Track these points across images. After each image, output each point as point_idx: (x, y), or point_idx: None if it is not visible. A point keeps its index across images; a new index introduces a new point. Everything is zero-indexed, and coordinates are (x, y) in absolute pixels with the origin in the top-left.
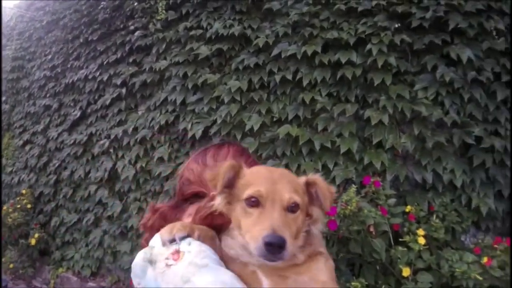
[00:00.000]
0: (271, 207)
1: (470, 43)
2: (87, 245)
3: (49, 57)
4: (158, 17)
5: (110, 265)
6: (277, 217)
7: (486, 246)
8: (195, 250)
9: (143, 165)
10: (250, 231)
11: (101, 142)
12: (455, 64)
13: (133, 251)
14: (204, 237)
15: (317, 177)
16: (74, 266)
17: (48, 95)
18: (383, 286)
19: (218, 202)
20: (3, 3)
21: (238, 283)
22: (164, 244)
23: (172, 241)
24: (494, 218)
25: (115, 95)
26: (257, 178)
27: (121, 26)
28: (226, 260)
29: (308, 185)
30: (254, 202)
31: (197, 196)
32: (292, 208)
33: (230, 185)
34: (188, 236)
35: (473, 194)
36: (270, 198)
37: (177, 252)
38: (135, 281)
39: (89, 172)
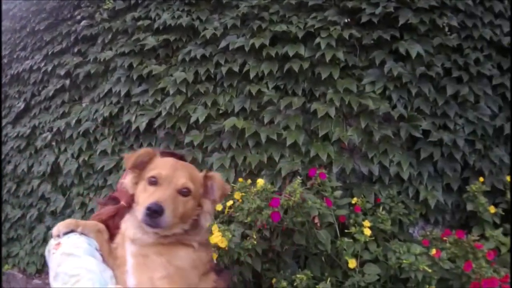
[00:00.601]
0: (166, 187)
1: (421, 39)
2: (31, 242)
3: None
4: (105, 7)
5: None
6: (166, 194)
7: (435, 238)
8: (69, 242)
9: (86, 158)
10: (141, 203)
11: (44, 135)
12: (403, 59)
13: None
14: (88, 231)
15: (215, 173)
16: (20, 263)
17: None
18: (330, 278)
19: (128, 180)
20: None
21: (98, 268)
22: (54, 238)
23: (58, 235)
24: (443, 211)
25: (58, 86)
26: (163, 164)
27: (68, 15)
28: (120, 244)
29: (206, 178)
30: (154, 182)
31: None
32: (184, 192)
33: (141, 168)
34: (72, 231)
35: (420, 186)
36: (168, 180)
37: (58, 244)
38: None
39: (32, 166)
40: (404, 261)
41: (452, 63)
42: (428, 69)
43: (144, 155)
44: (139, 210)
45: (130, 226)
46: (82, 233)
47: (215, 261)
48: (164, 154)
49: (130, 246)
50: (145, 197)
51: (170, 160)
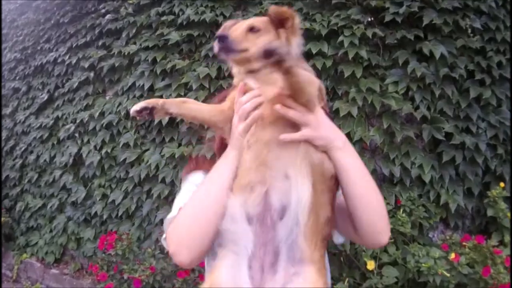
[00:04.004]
0: (240, 24)
1: (444, 40)
2: (51, 231)
3: (20, 38)
4: (130, 1)
5: (74, 252)
6: (237, 30)
7: (454, 243)
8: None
9: (109, 150)
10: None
11: (67, 126)
12: (427, 60)
13: (96, 238)
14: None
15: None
16: (38, 252)
17: (17, 78)
18: (347, 279)
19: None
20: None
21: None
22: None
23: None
24: (463, 216)
25: (82, 78)
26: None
27: (92, 9)
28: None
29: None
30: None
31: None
32: (253, 30)
33: None
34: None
35: (441, 190)
36: (239, 27)
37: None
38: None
39: (54, 156)
40: (423, 264)
41: (475, 65)
42: (452, 71)
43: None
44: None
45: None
46: None
47: None
48: None
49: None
50: None
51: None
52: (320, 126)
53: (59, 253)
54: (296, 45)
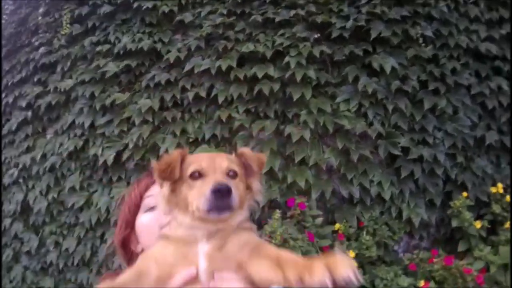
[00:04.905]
0: (213, 174)
1: (394, 51)
2: (10, 282)
3: None
4: (63, 32)
5: None
6: (219, 178)
7: (422, 260)
8: None
9: (55, 195)
10: (196, 195)
11: (11, 171)
12: (377, 74)
13: (57, 287)
14: None
15: (243, 148)
16: None
17: None
18: None
19: (164, 191)
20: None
21: None
22: None
23: None
24: (427, 226)
25: (21, 119)
26: (198, 157)
27: (26, 41)
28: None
29: (239, 157)
30: (197, 176)
31: None
32: (231, 175)
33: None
34: None
35: (403, 205)
36: (211, 168)
37: None
38: None
39: (2, 204)
40: None
41: (427, 75)
42: (404, 83)
43: (177, 158)
44: (199, 201)
45: (188, 231)
46: None
47: None
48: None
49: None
50: (196, 191)
51: (203, 154)
52: None
53: None
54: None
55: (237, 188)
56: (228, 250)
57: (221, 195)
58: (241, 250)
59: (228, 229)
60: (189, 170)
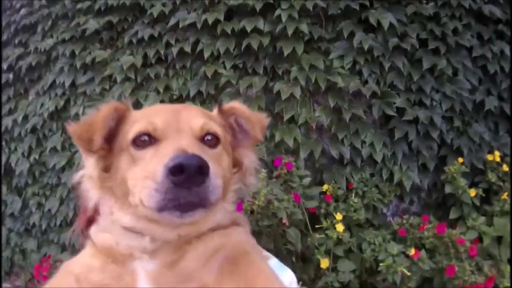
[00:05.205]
0: (175, 138)
1: (392, 7)
2: None
3: None
4: None
5: (21, 262)
6: (187, 143)
7: (412, 225)
8: None
9: (37, 157)
10: (141, 177)
11: None
12: (374, 30)
13: (40, 248)
14: None
15: (233, 103)
16: None
17: None
18: (302, 277)
19: (90, 169)
20: None
21: None
22: None
23: None
24: (419, 190)
25: (3, 81)
26: (149, 111)
27: (8, 5)
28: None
29: (225, 114)
30: (147, 141)
31: None
32: (208, 140)
33: (111, 139)
34: None
35: (394, 167)
36: (173, 128)
37: None
38: None
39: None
40: (381, 264)
41: (428, 33)
42: (402, 41)
43: (111, 115)
44: (143, 193)
45: (126, 239)
46: None
47: None
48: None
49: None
50: (141, 169)
51: (160, 106)
52: None
53: (8, 266)
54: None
55: (218, 163)
56: (185, 266)
57: (186, 178)
58: (206, 264)
59: (194, 234)
60: (132, 131)
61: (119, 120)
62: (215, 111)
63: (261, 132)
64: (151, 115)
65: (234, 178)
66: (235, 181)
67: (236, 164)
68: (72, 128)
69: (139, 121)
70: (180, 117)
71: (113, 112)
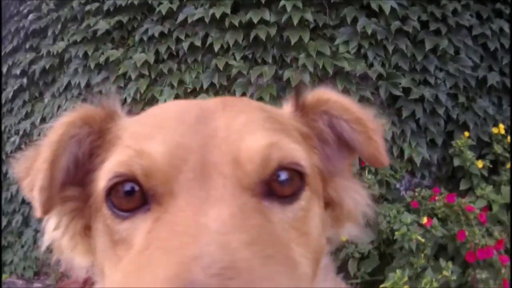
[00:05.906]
0: (196, 194)
1: None
2: (22, 247)
3: None
4: None
5: (50, 262)
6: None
7: (424, 197)
8: None
9: None
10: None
11: (12, 139)
12: (376, 15)
13: None
14: None
15: (324, 91)
16: (16, 269)
17: None
18: None
19: (56, 235)
20: None
21: None
22: None
23: None
24: (429, 165)
25: (16, 86)
26: (152, 119)
27: (15, 11)
28: None
29: (308, 114)
30: (134, 197)
31: None
32: (282, 185)
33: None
34: None
35: (404, 144)
36: (193, 166)
37: None
38: None
39: (7, 172)
40: (397, 232)
41: (428, 15)
42: (404, 24)
43: (67, 133)
44: None
45: None
46: None
47: None
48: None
49: None
50: (122, 274)
51: (175, 106)
52: None
53: (37, 266)
54: None
55: (300, 233)
56: None
57: None
58: None
59: None
60: (105, 172)
61: (99, 137)
62: (287, 109)
63: (381, 149)
64: (148, 132)
65: (327, 231)
66: (328, 230)
67: (329, 202)
68: (16, 167)
69: (121, 146)
70: (209, 133)
71: (76, 129)
